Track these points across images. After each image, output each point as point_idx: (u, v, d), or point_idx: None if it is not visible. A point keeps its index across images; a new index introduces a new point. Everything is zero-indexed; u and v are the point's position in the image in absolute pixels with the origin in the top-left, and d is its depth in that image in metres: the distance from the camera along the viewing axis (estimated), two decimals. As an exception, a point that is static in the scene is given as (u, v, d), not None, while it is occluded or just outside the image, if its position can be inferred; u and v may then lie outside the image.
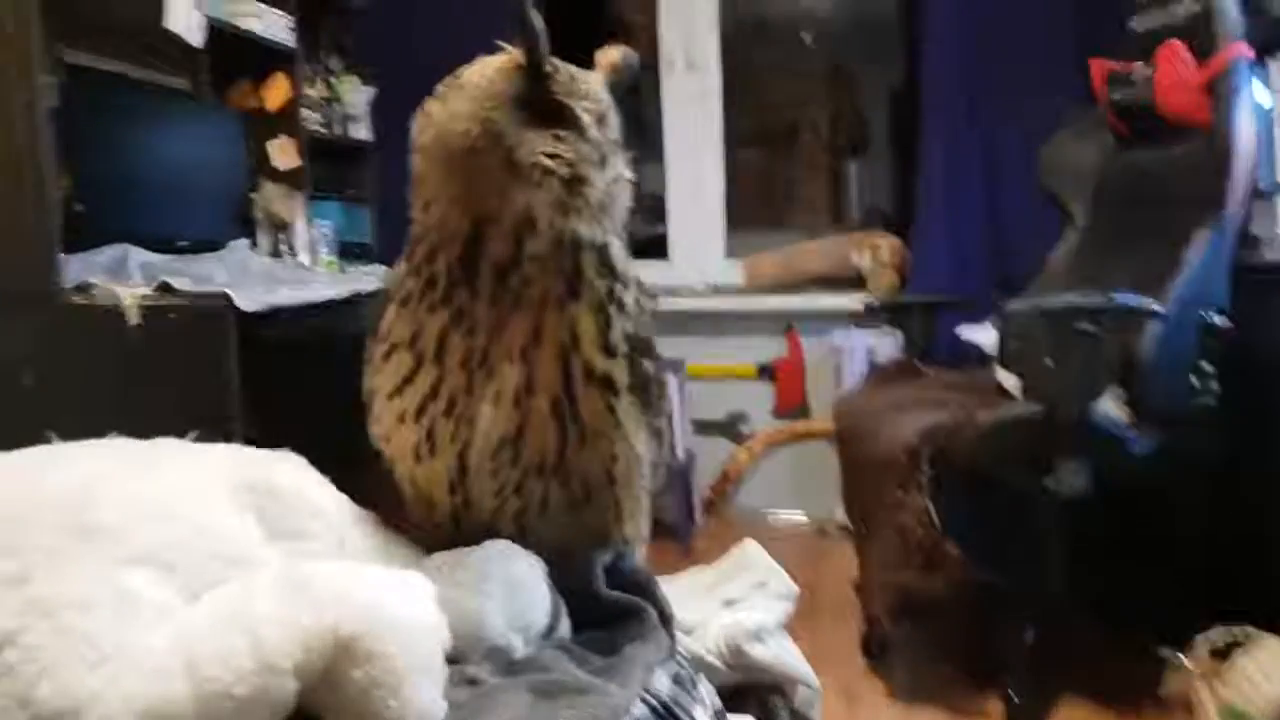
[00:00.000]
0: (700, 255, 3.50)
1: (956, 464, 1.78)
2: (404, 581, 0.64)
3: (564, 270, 0.78)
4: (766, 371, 3.32)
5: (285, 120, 2.91)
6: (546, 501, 0.84)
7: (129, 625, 0.58)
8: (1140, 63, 2.10)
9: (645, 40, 3.52)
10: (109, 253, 2.13)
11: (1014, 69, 2.97)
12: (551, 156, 0.77)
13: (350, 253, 3.14)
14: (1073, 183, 2.36)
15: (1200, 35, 1.97)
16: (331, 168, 3.20)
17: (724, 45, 3.51)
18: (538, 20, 0.77)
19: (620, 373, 0.82)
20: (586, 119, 0.79)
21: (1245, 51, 1.94)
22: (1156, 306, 1.74)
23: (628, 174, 0.83)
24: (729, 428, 3.37)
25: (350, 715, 0.58)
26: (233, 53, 2.73)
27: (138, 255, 2.17)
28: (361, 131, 3.27)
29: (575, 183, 0.78)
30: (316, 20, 3.12)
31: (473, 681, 0.70)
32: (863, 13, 3.98)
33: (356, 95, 3.22)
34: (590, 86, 0.80)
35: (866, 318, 3.10)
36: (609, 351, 0.81)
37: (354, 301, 2.39)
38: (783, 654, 1.18)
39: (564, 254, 0.78)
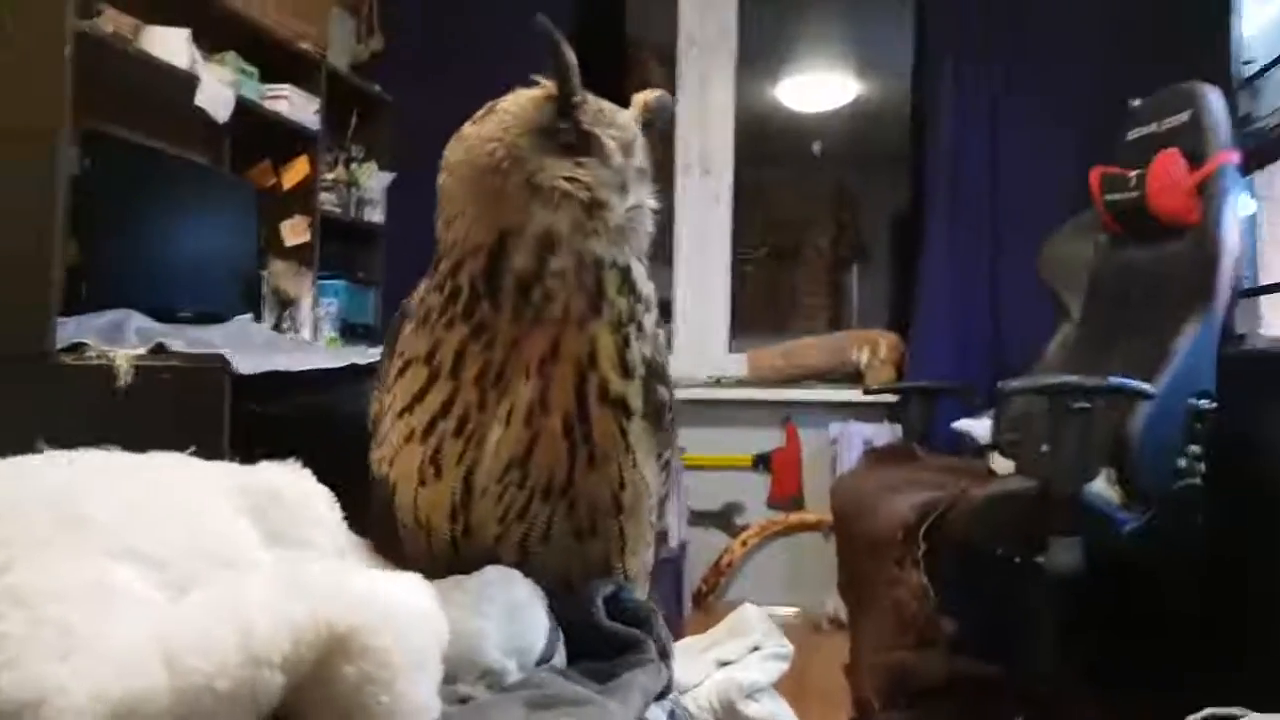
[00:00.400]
0: (704, 350, 3.55)
1: (951, 540, 1.78)
2: (404, 578, 0.63)
3: (586, 287, 0.80)
4: (763, 461, 3.32)
5: (300, 199, 3.00)
6: (551, 528, 0.84)
7: (109, 618, 0.56)
8: (1135, 169, 2.18)
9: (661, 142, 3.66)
10: (109, 316, 2.14)
11: (1016, 178, 3.09)
12: (570, 180, 0.81)
13: (353, 332, 3.19)
14: (1069, 278, 2.42)
15: (1192, 143, 2.05)
16: (342, 248, 3.28)
17: (736, 153, 3.66)
18: (570, 54, 0.81)
19: (635, 396, 0.84)
20: (610, 147, 0.82)
21: (1233, 159, 2.02)
22: (1148, 388, 1.77)
23: (651, 202, 0.85)
24: (723, 518, 3.35)
25: (339, 712, 0.56)
26: (258, 131, 2.83)
27: (137, 320, 2.18)
28: (376, 215, 3.36)
29: (594, 206, 0.80)
30: (343, 106, 3.24)
31: (464, 700, 0.69)
32: (868, 131, 4.16)
33: (374, 180, 3.31)
34: (618, 118, 0.84)
35: (864, 409, 3.13)
36: (626, 372, 0.82)
37: (352, 376, 2.41)
38: (777, 712, 1.17)
39: (587, 271, 0.81)
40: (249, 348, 2.15)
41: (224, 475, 0.71)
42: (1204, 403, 1.86)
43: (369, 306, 3.34)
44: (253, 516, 0.68)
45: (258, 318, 2.75)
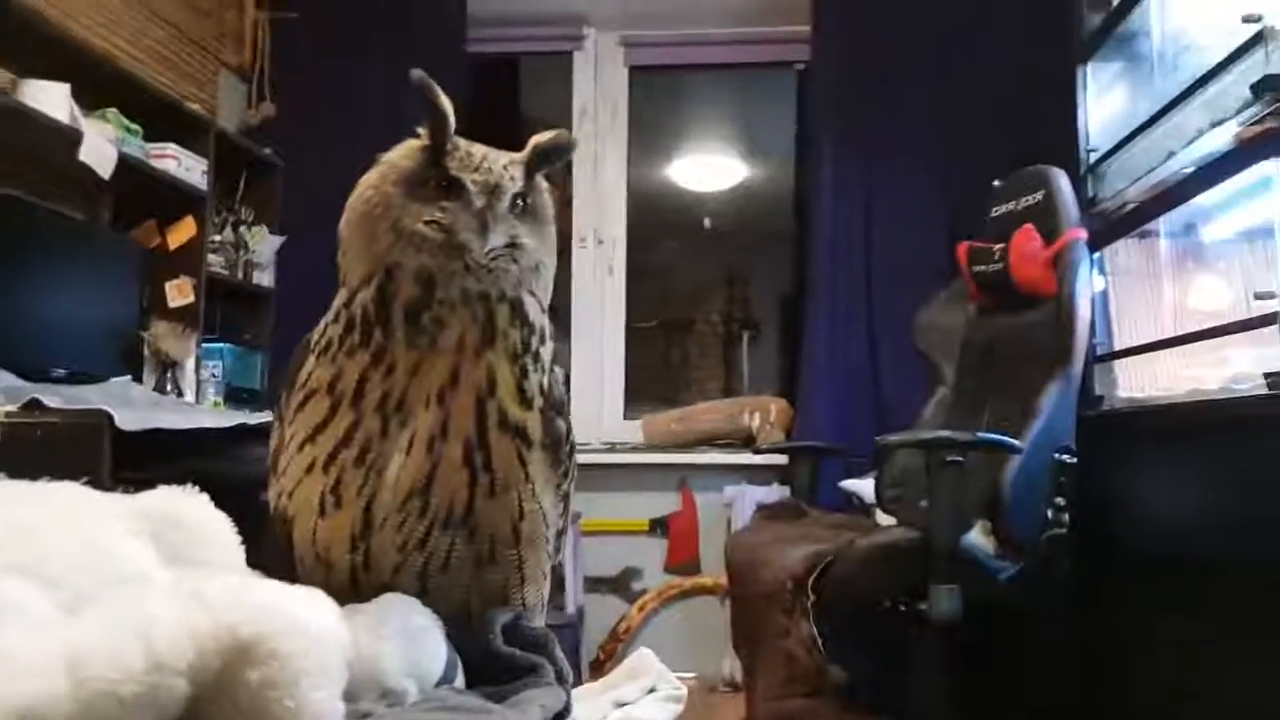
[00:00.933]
0: (599, 416, 3.59)
1: (839, 591, 1.84)
2: (305, 591, 0.64)
3: (478, 319, 0.84)
4: (660, 526, 3.35)
5: (186, 260, 2.93)
6: (450, 557, 0.86)
7: (5, 628, 0.55)
8: (998, 243, 2.34)
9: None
10: (-28, 374, 2.06)
11: (890, 253, 3.27)
12: (429, 224, 0.84)
13: (238, 396, 3.10)
14: (942, 345, 2.56)
15: (1045, 220, 2.23)
16: (230, 311, 3.21)
17: (629, 227, 3.78)
18: (443, 103, 0.86)
19: (534, 425, 0.87)
20: (472, 191, 0.85)
21: (1082, 235, 2.20)
22: (1016, 443, 1.89)
23: (530, 242, 0.88)
24: (621, 583, 3.35)
25: (242, 714, 0.56)
26: (142, 190, 2.78)
27: (3, 378, 2.10)
28: (265, 278, 3.31)
29: (453, 248, 0.84)
30: (231, 168, 3.20)
31: (365, 716, 0.70)
32: (756, 209, 4.35)
33: (264, 243, 3.27)
34: (486, 162, 0.87)
35: (757, 472, 3.21)
36: (525, 402, 0.86)
37: (240, 439, 2.35)
38: (673, 753, 1.18)
39: (476, 303, 0.84)
40: (130, 407, 2.08)
41: (119, 500, 0.71)
42: (1066, 457, 1.99)
43: (256, 370, 3.26)
44: (150, 538, 0.67)
45: (138, 379, 2.66)
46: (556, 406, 0.90)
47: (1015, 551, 1.92)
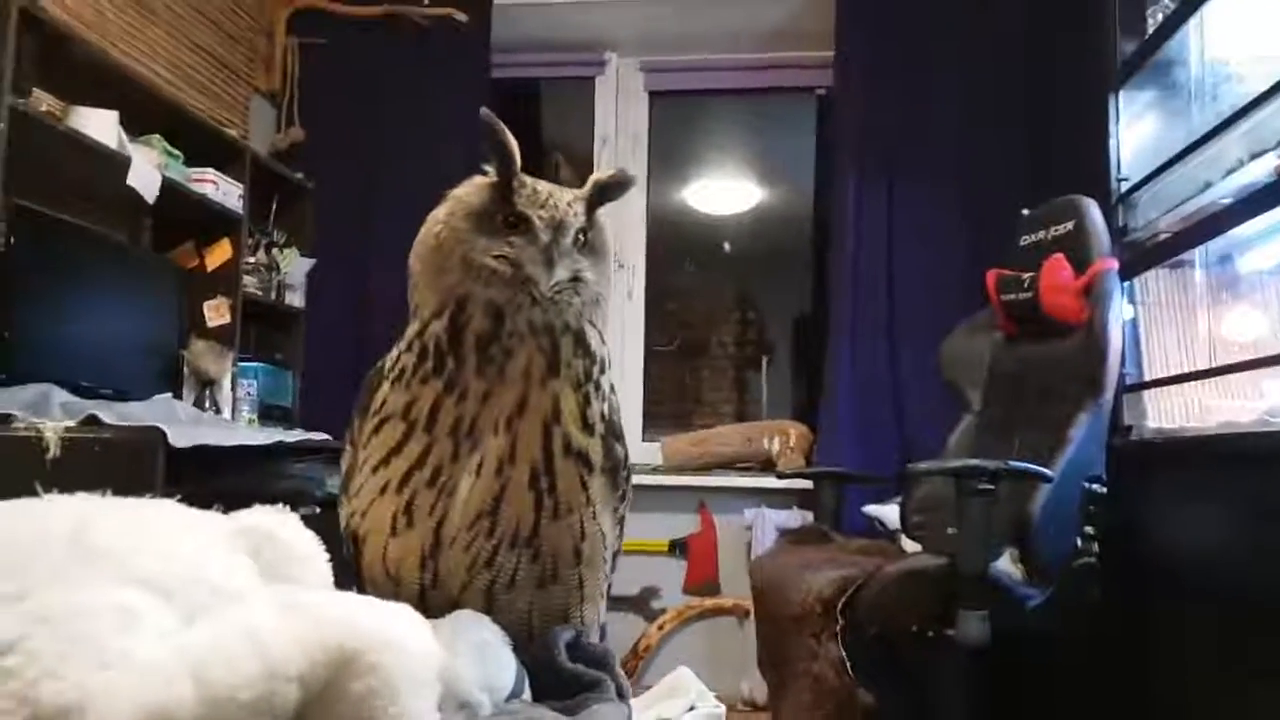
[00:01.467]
0: (620, 437, 3.62)
1: (867, 615, 1.86)
2: (398, 607, 0.67)
3: (544, 349, 0.88)
4: (679, 547, 3.37)
5: (223, 281, 3.00)
6: (516, 576, 0.89)
7: (131, 636, 0.59)
8: (1028, 271, 2.37)
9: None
10: (32, 390, 2.12)
11: (913, 280, 3.30)
12: (498, 258, 0.88)
13: (271, 414, 3.16)
14: (968, 373, 2.58)
15: (1076, 249, 2.25)
16: (262, 331, 3.27)
17: (648, 251, 3.82)
18: (511, 143, 0.90)
19: (596, 451, 0.90)
20: (539, 226, 0.89)
21: (1113, 265, 2.22)
22: (1047, 472, 1.91)
23: (591, 276, 0.92)
24: (640, 603, 3.37)
25: (348, 723, 0.60)
26: (181, 213, 2.84)
27: (59, 395, 2.16)
28: (296, 299, 3.37)
29: (521, 281, 0.88)
30: (264, 192, 3.27)
31: (448, 727, 0.73)
32: (772, 235, 4.40)
33: (295, 265, 3.33)
34: (552, 199, 0.91)
35: (776, 496, 3.23)
36: (587, 429, 0.89)
37: (278, 456, 2.40)
38: (716, 767, 1.21)
39: (542, 335, 0.88)
40: (176, 424, 2.13)
41: (219, 519, 0.74)
42: (1096, 487, 2.01)
43: (288, 389, 3.32)
44: (250, 555, 0.71)
45: (177, 396, 2.71)
46: (616, 433, 0.93)
47: (1043, 579, 1.93)
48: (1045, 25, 3.22)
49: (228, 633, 0.59)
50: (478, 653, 0.81)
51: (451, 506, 0.88)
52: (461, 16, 3.54)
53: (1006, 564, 1.94)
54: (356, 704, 0.60)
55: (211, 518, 0.74)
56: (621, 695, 0.88)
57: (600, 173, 0.95)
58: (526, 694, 0.84)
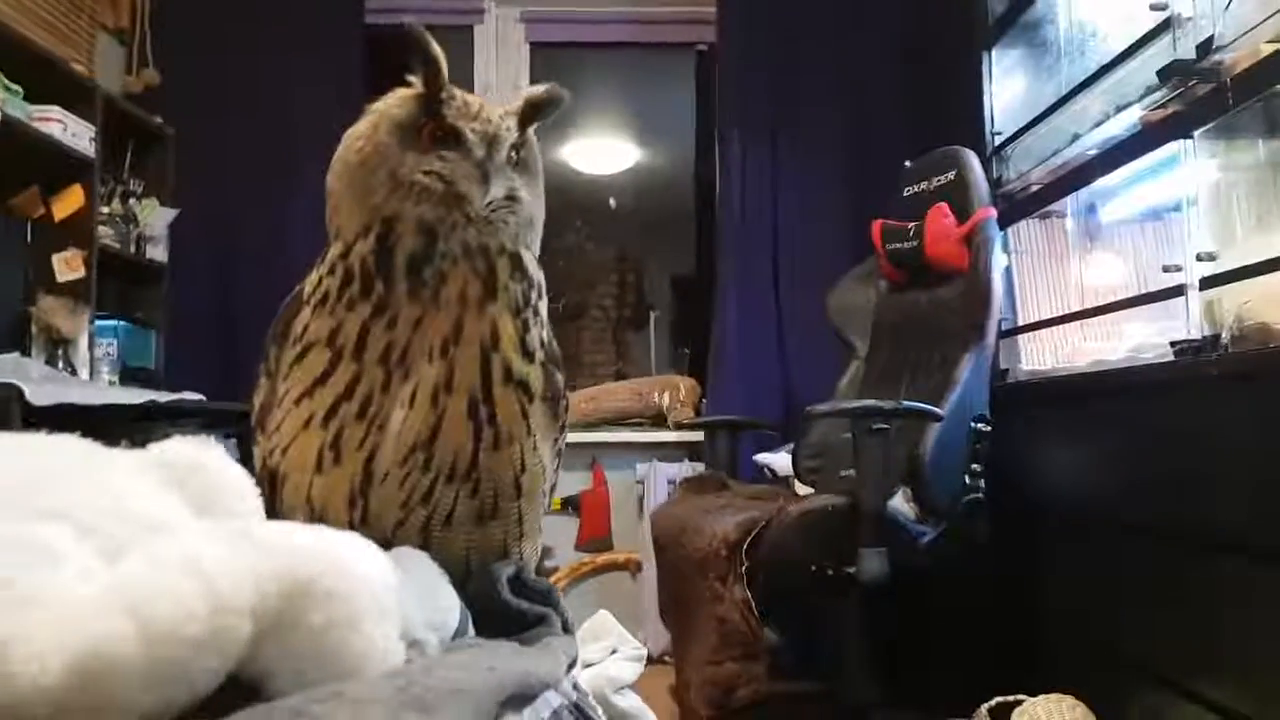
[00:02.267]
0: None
1: (771, 556, 1.89)
2: (351, 535, 0.63)
3: (479, 272, 0.83)
4: (571, 504, 3.35)
5: (75, 232, 2.77)
6: (454, 512, 0.85)
7: (51, 573, 0.53)
8: (911, 221, 2.43)
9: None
10: None
11: (798, 232, 3.35)
12: (428, 174, 0.83)
13: (133, 376, 2.96)
14: (855, 321, 2.64)
15: (958, 199, 2.32)
16: (122, 287, 3.05)
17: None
18: (437, 52, 0.84)
19: (536, 379, 0.86)
20: (472, 140, 0.84)
21: (993, 213, 2.30)
22: (938, 411, 1.97)
23: (525, 195, 0.88)
24: (533, 562, 3.35)
25: (310, 657, 0.55)
26: (23, 155, 2.60)
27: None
28: (158, 253, 3.15)
29: (453, 198, 0.83)
30: (118, 136, 3.03)
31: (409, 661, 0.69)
32: (652, 194, 4.39)
33: (156, 216, 3.11)
34: (484, 111, 0.86)
35: (668, 449, 3.25)
36: (527, 355, 0.85)
37: (147, 415, 2.25)
38: (641, 707, 1.21)
39: (477, 256, 0.83)
40: (31, 383, 1.95)
41: (134, 452, 0.67)
42: (981, 426, 2.09)
43: (150, 349, 3.11)
44: (176, 487, 0.65)
45: (26, 356, 2.50)
46: (555, 360, 0.90)
47: (936, 516, 2.01)
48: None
49: (166, 565, 0.53)
50: (421, 590, 0.76)
51: (383, 440, 0.82)
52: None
53: (900, 503, 2.00)
54: (316, 636, 0.55)
55: (125, 452, 0.67)
56: (568, 630, 0.85)
57: (532, 88, 0.91)
58: (470, 632, 0.80)
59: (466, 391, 0.83)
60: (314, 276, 0.85)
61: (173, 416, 2.24)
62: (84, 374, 2.64)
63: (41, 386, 1.83)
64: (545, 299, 0.89)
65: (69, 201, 2.76)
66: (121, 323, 2.97)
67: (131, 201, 3.07)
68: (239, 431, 2.39)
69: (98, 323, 2.80)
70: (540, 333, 0.87)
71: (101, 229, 2.87)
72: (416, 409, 0.82)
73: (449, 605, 0.78)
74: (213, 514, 0.65)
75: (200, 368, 3.15)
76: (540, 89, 0.90)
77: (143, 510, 0.60)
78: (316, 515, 0.84)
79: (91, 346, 2.73)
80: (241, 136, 3.38)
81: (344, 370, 0.81)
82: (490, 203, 0.83)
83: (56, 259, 2.71)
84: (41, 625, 0.49)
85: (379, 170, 0.83)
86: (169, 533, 0.60)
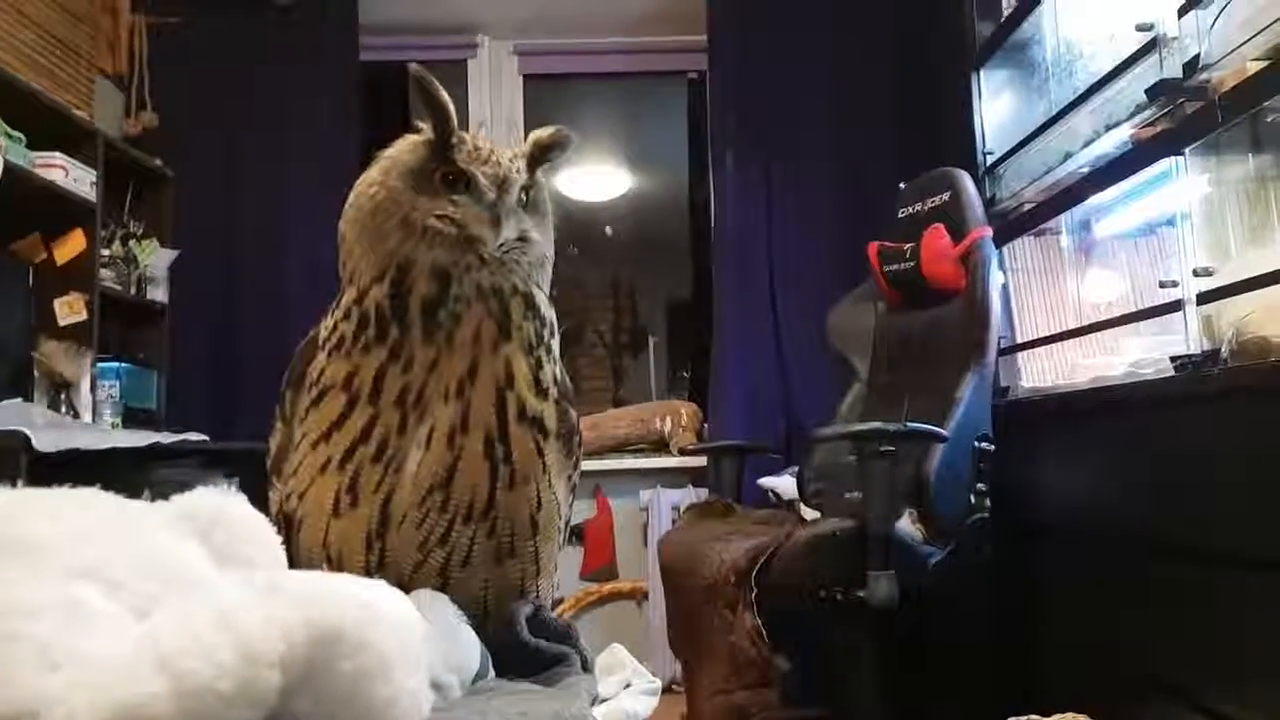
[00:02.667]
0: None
1: (780, 582, 1.89)
2: (378, 583, 0.63)
3: (493, 313, 0.84)
4: (575, 533, 3.35)
5: (77, 276, 2.78)
6: (472, 552, 0.85)
7: (84, 631, 0.54)
8: (908, 242, 2.45)
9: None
10: None
11: (794, 255, 3.37)
12: (441, 218, 0.84)
13: (135, 417, 2.96)
14: (855, 343, 2.65)
15: (953, 219, 2.34)
16: (123, 329, 3.06)
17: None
18: (444, 98, 0.86)
19: (550, 416, 0.87)
20: (483, 184, 0.85)
21: (988, 233, 2.32)
22: (942, 431, 1.98)
23: (536, 235, 0.89)
24: (538, 592, 3.34)
25: (340, 706, 0.55)
26: (25, 202, 2.62)
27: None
28: (159, 294, 3.16)
29: (467, 240, 0.84)
30: (121, 180, 3.06)
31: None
32: (647, 220, 4.41)
33: (156, 257, 3.12)
34: (494, 155, 0.87)
35: (671, 476, 3.25)
36: (541, 393, 0.86)
37: (149, 458, 2.25)
38: (661, 741, 1.20)
39: (491, 298, 0.84)
40: (36, 430, 1.96)
41: (158, 504, 0.68)
42: (985, 445, 2.10)
43: (152, 390, 3.11)
44: (198, 538, 0.65)
45: (29, 401, 2.50)
46: (568, 396, 0.91)
47: (942, 537, 2.01)
48: (911, 5, 3.33)
49: (197, 619, 0.53)
50: (441, 634, 0.77)
51: (400, 482, 0.83)
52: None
53: (907, 524, 2.00)
54: (347, 685, 0.55)
55: (149, 504, 0.67)
56: (586, 668, 0.86)
57: (540, 131, 0.92)
58: (491, 673, 0.81)
59: (483, 431, 0.83)
60: (329, 321, 0.86)
61: (168, 458, 2.24)
62: (86, 417, 2.65)
63: (46, 433, 1.84)
64: (557, 336, 0.90)
65: (71, 246, 2.78)
66: (123, 364, 2.97)
67: (132, 243, 3.08)
68: (240, 471, 2.40)
69: (99, 365, 2.81)
70: (553, 369, 0.88)
71: (103, 271, 2.89)
72: (433, 450, 0.83)
73: (469, 647, 0.79)
74: (237, 564, 0.66)
75: (201, 407, 3.16)
76: (548, 131, 0.92)
77: (170, 564, 0.61)
78: (333, 558, 0.85)
79: (94, 389, 2.73)
80: (240, 175, 3.41)
81: (360, 413, 0.82)
82: (503, 244, 0.84)
83: (58, 303, 2.73)
84: (74, 687, 0.49)
85: (392, 215, 0.84)
86: (197, 586, 0.61)
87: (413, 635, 0.60)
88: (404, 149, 0.89)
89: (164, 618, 0.54)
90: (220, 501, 0.68)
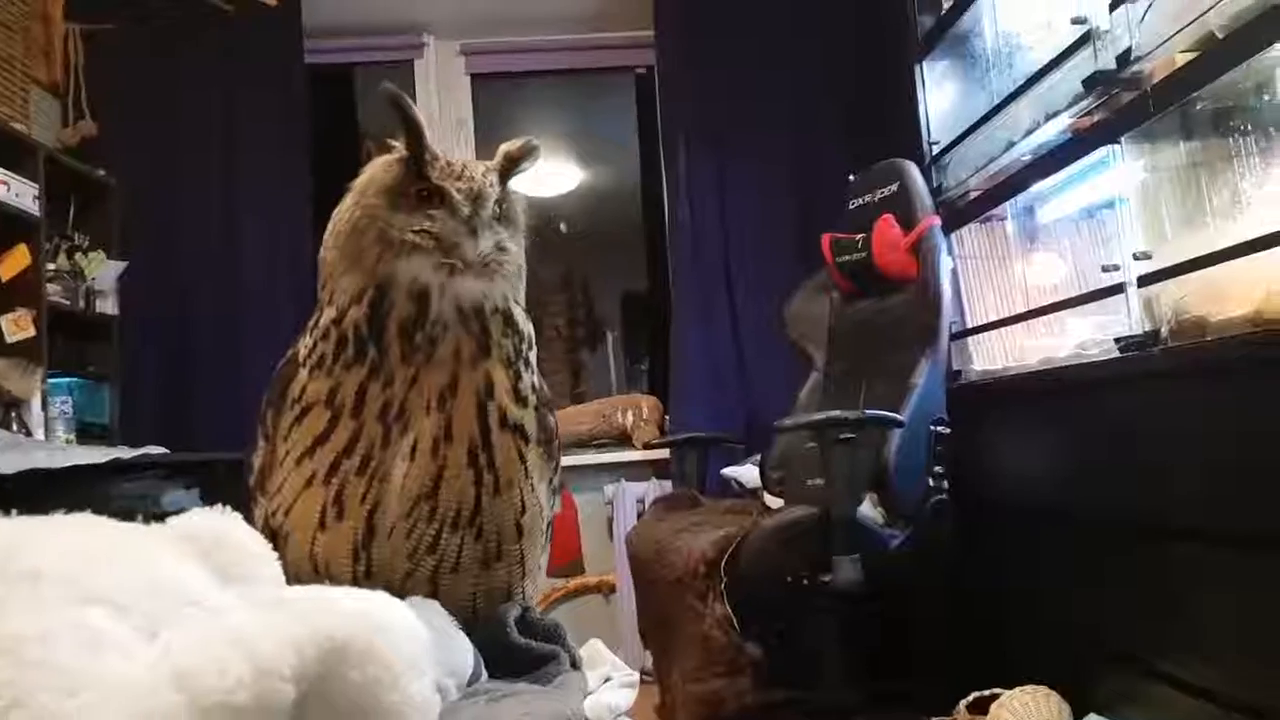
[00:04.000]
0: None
1: (748, 570, 1.93)
2: (378, 594, 0.65)
3: (473, 331, 0.86)
4: (542, 530, 3.36)
5: (22, 292, 2.73)
6: (460, 558, 0.88)
7: (97, 656, 0.55)
8: (860, 233, 2.50)
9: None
10: None
11: (749, 247, 3.41)
12: (418, 232, 0.86)
13: (89, 433, 2.92)
14: (811, 332, 2.70)
15: (903, 209, 2.40)
16: (72, 343, 3.00)
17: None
18: (418, 117, 0.88)
19: (530, 422, 0.90)
20: (457, 198, 0.88)
21: (937, 221, 2.38)
22: (900, 417, 2.03)
23: (512, 247, 0.92)
24: (506, 591, 3.35)
25: (351, 714, 0.58)
26: (-33, 219, 2.57)
27: None
28: (108, 306, 3.11)
29: (445, 251, 0.86)
30: (63, 192, 3.00)
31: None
32: (599, 214, 4.43)
33: (104, 269, 3.07)
34: (468, 170, 0.90)
35: (634, 469, 3.28)
36: (521, 401, 0.89)
37: (106, 475, 2.22)
38: (643, 732, 1.23)
39: (470, 318, 0.86)
40: (-8, 449, 1.93)
41: (157, 527, 0.69)
42: (941, 428, 2.16)
43: (105, 404, 3.06)
44: (199, 559, 0.67)
45: (-20, 422, 2.46)
46: (547, 404, 0.93)
47: (903, 519, 2.06)
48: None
49: (209, 638, 0.55)
50: (434, 638, 0.79)
51: (385, 493, 0.85)
52: (270, 0, 3.35)
53: (868, 508, 2.06)
54: (356, 694, 0.57)
55: (149, 526, 0.69)
56: (575, 666, 0.88)
57: (509, 143, 0.94)
58: (484, 675, 0.83)
59: (466, 440, 0.86)
60: (308, 340, 0.88)
61: (126, 473, 2.22)
62: (39, 434, 2.61)
63: (3, 454, 1.81)
64: (535, 349, 0.93)
65: (15, 261, 2.72)
66: (74, 379, 2.93)
67: (78, 256, 3.03)
68: (201, 482, 2.37)
69: (50, 381, 2.76)
70: (532, 379, 0.91)
71: (49, 286, 2.84)
72: (418, 461, 0.85)
73: (463, 650, 0.81)
74: (239, 582, 0.68)
75: (155, 419, 3.12)
76: (517, 143, 0.94)
77: (174, 586, 0.63)
78: (321, 570, 0.87)
79: (45, 406, 2.69)
80: (185, 182, 3.36)
81: (343, 428, 0.84)
82: (480, 254, 0.86)
83: (5, 320, 2.68)
84: (95, 709, 0.51)
85: (369, 232, 0.86)
86: (201, 605, 0.62)
87: (417, 642, 0.62)
88: (379, 167, 0.90)
89: (177, 636, 0.56)
90: (219, 522, 0.70)
